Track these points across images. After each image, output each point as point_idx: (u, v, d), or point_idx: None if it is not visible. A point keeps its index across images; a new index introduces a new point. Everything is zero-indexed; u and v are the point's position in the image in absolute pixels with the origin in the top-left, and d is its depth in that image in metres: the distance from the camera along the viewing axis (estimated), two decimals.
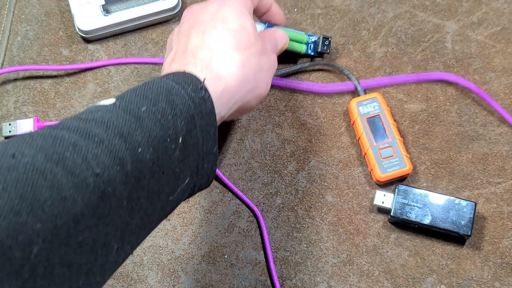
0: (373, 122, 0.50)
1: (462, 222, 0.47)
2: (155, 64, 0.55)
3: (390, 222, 0.49)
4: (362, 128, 0.50)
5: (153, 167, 0.31)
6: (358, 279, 0.47)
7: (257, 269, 0.48)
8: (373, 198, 0.49)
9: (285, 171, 0.51)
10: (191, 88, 0.35)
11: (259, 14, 0.49)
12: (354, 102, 0.51)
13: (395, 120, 0.50)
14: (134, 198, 0.30)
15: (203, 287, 0.47)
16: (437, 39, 0.56)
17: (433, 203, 0.47)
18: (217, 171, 0.50)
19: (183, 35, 0.41)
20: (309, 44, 0.54)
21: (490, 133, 0.52)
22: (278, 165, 0.51)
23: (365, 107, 0.50)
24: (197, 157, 0.35)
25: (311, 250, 0.48)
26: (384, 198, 0.48)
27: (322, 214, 0.50)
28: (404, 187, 0.48)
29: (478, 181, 0.50)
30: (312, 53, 0.54)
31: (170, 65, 0.40)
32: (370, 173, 0.50)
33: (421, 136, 0.52)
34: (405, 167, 0.49)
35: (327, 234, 0.49)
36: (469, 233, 0.46)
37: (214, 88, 0.37)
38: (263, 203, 0.50)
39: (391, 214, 0.47)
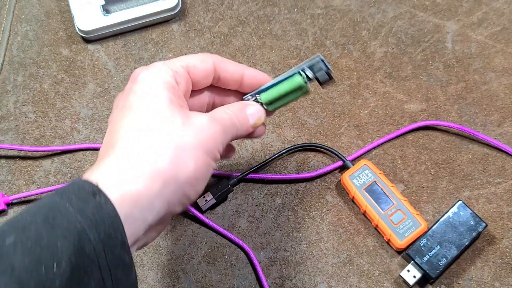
0: (372, 191, 0.48)
1: (472, 223, 0.47)
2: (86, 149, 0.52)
3: (432, 284, 0.47)
4: (364, 201, 0.48)
5: None
6: (358, 279, 0.47)
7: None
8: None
9: (285, 171, 0.51)
10: (79, 198, 0.30)
11: (230, 86, 0.39)
12: (346, 176, 0.49)
13: (391, 181, 0.49)
14: None
15: (203, 287, 0.47)
16: (437, 39, 0.56)
17: (441, 235, 0.46)
18: (203, 217, 0.48)
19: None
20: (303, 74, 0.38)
21: (490, 133, 0.52)
22: (278, 165, 0.51)
23: (358, 178, 0.48)
24: (99, 272, 0.29)
25: (311, 250, 0.48)
26: (411, 273, 0.46)
27: (322, 214, 0.50)
28: (412, 248, 0.46)
29: (478, 181, 0.50)
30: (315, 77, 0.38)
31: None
32: (388, 243, 0.48)
33: (421, 136, 0.52)
34: (421, 226, 0.47)
35: (327, 234, 0.49)
36: (485, 224, 0.46)
37: (117, 187, 0.31)
38: (263, 203, 0.50)
39: (432, 276, 0.45)
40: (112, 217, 0.30)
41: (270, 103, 0.39)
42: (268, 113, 0.40)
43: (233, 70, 0.39)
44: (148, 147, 0.32)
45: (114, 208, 0.30)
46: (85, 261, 0.29)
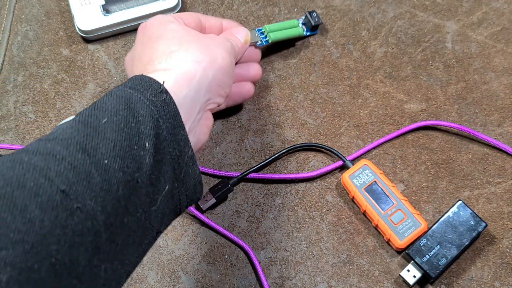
0: (372, 190, 0.48)
1: (472, 222, 0.47)
2: None
3: (432, 283, 0.47)
4: (364, 201, 0.48)
5: (125, 176, 0.31)
6: (358, 279, 0.47)
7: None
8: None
9: (285, 171, 0.51)
10: (150, 93, 0.35)
11: (215, 33, 0.48)
12: (346, 176, 0.49)
13: (391, 181, 0.49)
14: (108, 211, 0.29)
15: (203, 287, 0.47)
16: (437, 39, 0.56)
17: (441, 235, 0.46)
18: (203, 217, 0.49)
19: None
20: (302, 26, 0.55)
21: (490, 133, 0.52)
22: (278, 165, 0.51)
23: (358, 178, 0.48)
24: (171, 160, 0.34)
25: (311, 250, 0.48)
26: (411, 273, 0.46)
27: (322, 214, 0.50)
28: (412, 248, 0.46)
29: (478, 181, 0.50)
30: (309, 33, 0.56)
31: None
32: (388, 243, 0.48)
33: (421, 136, 0.52)
34: (421, 226, 0.47)
35: (327, 234, 0.49)
36: (485, 224, 0.46)
37: (174, 84, 0.38)
38: (263, 203, 0.50)
39: (432, 276, 0.45)
40: (176, 115, 0.35)
41: (271, 31, 0.53)
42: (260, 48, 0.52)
43: (214, 20, 0.48)
44: (184, 50, 0.39)
45: (176, 107, 0.35)
46: (161, 147, 0.34)
